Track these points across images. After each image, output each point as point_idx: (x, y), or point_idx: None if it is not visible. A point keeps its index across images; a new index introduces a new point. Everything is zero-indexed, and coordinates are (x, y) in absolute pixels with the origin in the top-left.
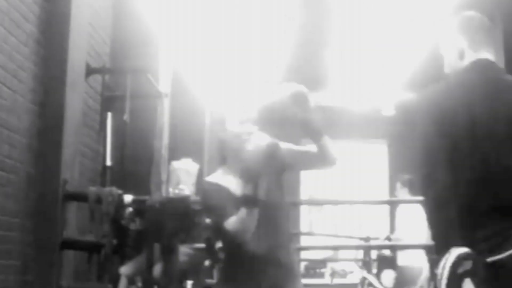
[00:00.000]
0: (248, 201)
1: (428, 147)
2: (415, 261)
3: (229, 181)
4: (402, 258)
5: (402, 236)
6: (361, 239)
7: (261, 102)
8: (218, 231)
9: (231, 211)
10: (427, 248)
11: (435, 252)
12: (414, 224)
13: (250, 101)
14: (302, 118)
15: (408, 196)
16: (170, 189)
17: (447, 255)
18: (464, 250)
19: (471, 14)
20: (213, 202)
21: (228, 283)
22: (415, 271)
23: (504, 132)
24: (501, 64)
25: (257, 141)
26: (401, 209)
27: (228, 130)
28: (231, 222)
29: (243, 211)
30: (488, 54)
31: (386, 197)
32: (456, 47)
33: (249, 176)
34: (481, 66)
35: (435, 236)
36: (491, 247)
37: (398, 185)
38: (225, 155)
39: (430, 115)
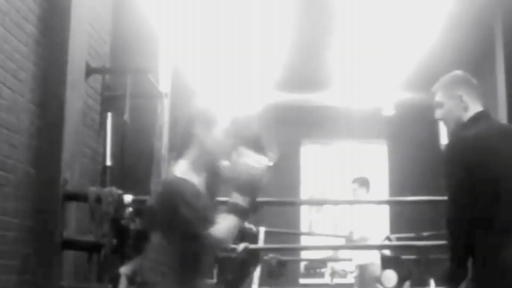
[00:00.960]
0: (242, 213)
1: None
2: (375, 258)
3: (195, 180)
4: (362, 257)
5: (368, 235)
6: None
7: (234, 117)
8: (194, 234)
9: (213, 216)
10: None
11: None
12: (377, 223)
13: (228, 111)
14: (256, 134)
15: (366, 195)
16: None
17: None
18: None
19: (460, 73)
20: (196, 203)
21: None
22: (375, 267)
23: None
24: (501, 63)
25: (257, 158)
26: (362, 208)
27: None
28: (219, 230)
29: (232, 220)
30: (481, 107)
31: (386, 197)
32: (460, 100)
33: (250, 190)
34: (485, 115)
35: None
36: None
37: (355, 185)
38: (189, 149)
39: (469, 155)
